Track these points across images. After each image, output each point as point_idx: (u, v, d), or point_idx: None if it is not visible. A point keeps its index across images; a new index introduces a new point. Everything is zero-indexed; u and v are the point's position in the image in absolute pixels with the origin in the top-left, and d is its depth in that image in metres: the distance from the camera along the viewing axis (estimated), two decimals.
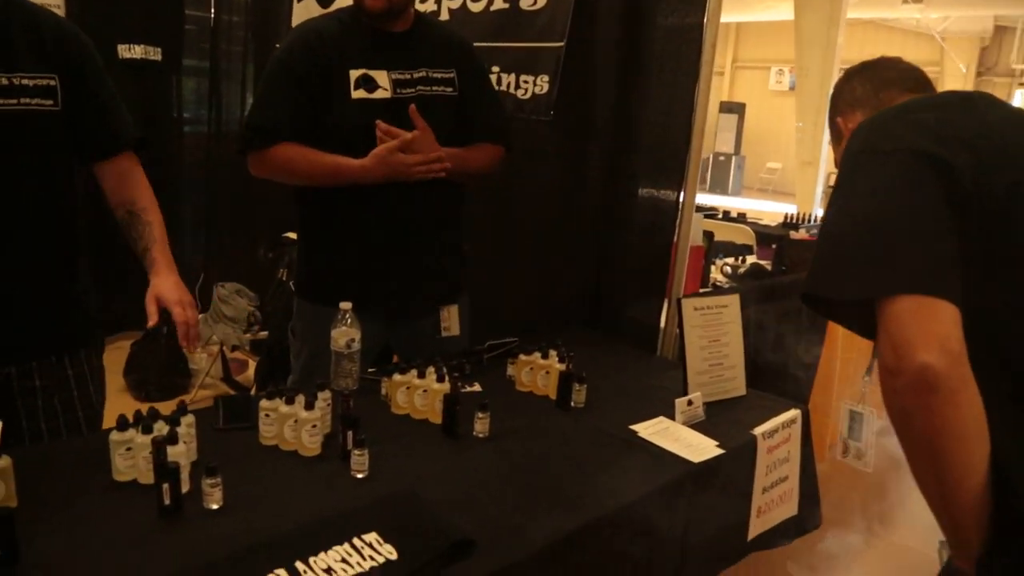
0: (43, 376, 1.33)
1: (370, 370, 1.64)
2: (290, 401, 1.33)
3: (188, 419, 1.26)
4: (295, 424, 1.31)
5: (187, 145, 3.89)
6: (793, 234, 3.96)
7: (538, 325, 2.19)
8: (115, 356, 3.90)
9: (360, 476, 1.24)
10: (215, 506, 1.12)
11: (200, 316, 3.43)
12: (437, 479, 1.23)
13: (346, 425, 1.30)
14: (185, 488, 1.13)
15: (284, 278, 3.19)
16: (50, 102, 1.26)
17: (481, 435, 1.40)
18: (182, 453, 1.14)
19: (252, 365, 3.64)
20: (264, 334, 3.29)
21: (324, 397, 1.38)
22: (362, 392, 1.54)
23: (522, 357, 1.65)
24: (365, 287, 1.67)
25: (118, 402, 3.60)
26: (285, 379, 1.94)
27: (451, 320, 1.81)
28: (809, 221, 4.56)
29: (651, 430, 1.51)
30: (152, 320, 1.30)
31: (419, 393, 1.46)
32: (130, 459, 1.17)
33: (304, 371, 1.76)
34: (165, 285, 1.35)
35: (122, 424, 1.20)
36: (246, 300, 3.41)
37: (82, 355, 1.40)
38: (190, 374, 3.59)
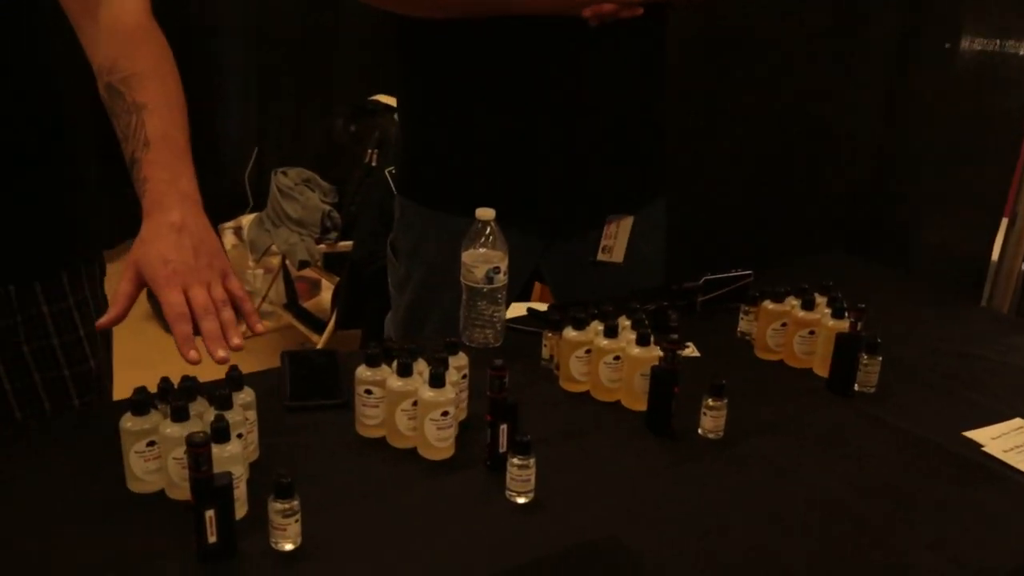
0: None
1: (527, 306, 1.55)
2: (405, 370, 1.16)
3: (244, 395, 1.11)
4: (414, 409, 1.15)
5: None
6: None
7: (777, 252, 2.13)
8: None
9: (522, 500, 1.09)
10: (289, 546, 0.98)
11: (253, 218, 3.49)
12: (650, 514, 1.10)
13: (499, 414, 1.12)
14: (241, 512, 1.01)
15: (374, 162, 3.14)
16: None
17: (712, 435, 1.26)
18: (236, 458, 0.98)
19: (327, 287, 3.63)
20: (346, 245, 3.27)
21: (459, 364, 1.23)
22: (507, 351, 1.45)
23: (767, 305, 1.50)
24: (513, 186, 1.63)
25: (140, 337, 3.77)
26: (378, 314, 1.89)
27: (617, 238, 1.74)
28: None
29: (1009, 443, 1.30)
30: (109, 315, 1.03)
31: (607, 361, 1.32)
32: (154, 460, 1.05)
33: (411, 311, 1.74)
34: (158, 245, 1.04)
35: (140, 403, 1.04)
36: (319, 194, 3.35)
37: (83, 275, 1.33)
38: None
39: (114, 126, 1.15)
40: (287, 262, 3.45)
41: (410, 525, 1.04)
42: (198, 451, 0.90)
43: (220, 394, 1.04)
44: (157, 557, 0.96)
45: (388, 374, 1.18)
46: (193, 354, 1.01)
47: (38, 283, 1.27)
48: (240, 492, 1.00)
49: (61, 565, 0.95)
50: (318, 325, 3.39)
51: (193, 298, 1.03)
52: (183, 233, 1.06)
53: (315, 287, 3.84)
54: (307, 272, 3.53)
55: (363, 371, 1.19)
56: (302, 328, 3.44)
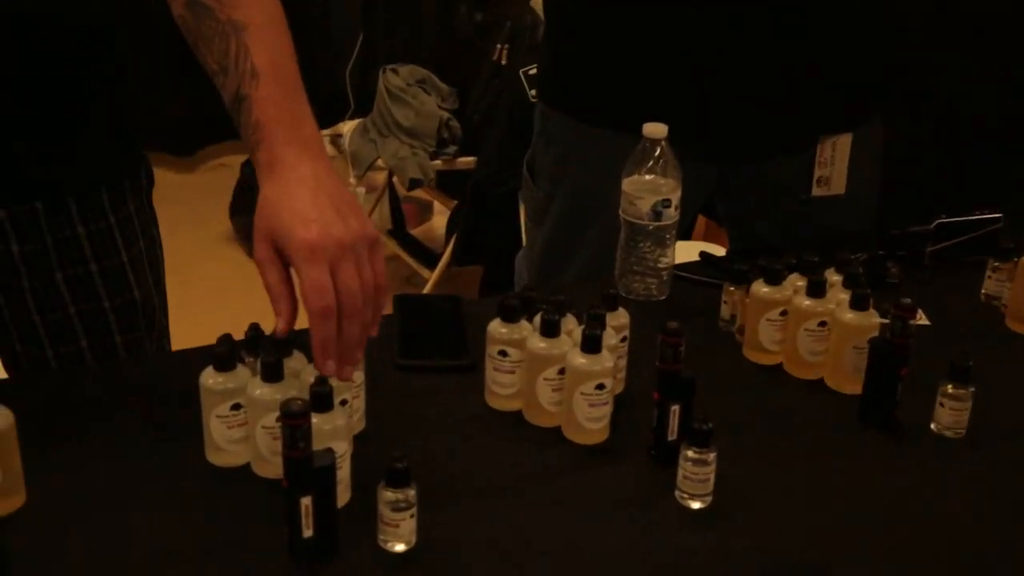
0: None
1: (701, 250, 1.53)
2: (550, 329, 1.13)
3: None
4: (560, 378, 1.13)
5: None
6: None
7: None
8: (218, 178, 4.02)
9: (697, 505, 1.06)
10: (401, 547, 0.97)
11: (355, 125, 3.52)
12: (870, 535, 1.06)
13: (671, 391, 1.09)
14: (343, 499, 1.00)
15: (504, 60, 3.12)
16: None
17: (950, 433, 1.21)
18: (340, 431, 0.97)
19: (441, 212, 3.62)
20: (467, 161, 3.26)
21: (617, 324, 1.20)
22: (673, 307, 1.43)
23: None
24: (690, 94, 1.58)
25: (217, 261, 3.91)
26: (503, 249, 1.93)
27: (835, 164, 1.69)
28: None
29: None
30: (281, 323, 1.00)
31: (809, 328, 1.27)
32: (239, 428, 1.05)
33: (550, 248, 1.73)
34: (291, 204, 1.01)
35: (224, 357, 1.03)
36: (435, 98, 3.34)
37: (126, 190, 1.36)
38: None
39: (199, 54, 1.12)
40: (394, 180, 3.47)
41: (551, 528, 1.03)
42: (295, 424, 0.88)
43: None
44: (241, 549, 0.97)
45: (528, 332, 1.14)
46: (331, 366, 0.98)
47: (72, 200, 1.28)
48: (344, 474, 0.98)
49: (137, 550, 0.97)
50: (428, 258, 3.41)
51: (341, 282, 0.97)
52: (319, 190, 1.00)
53: (426, 211, 3.86)
54: (418, 193, 3.53)
55: (497, 327, 1.16)
56: (409, 260, 3.47)
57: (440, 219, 3.67)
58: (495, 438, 1.15)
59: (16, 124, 1.24)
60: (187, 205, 3.73)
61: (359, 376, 1.09)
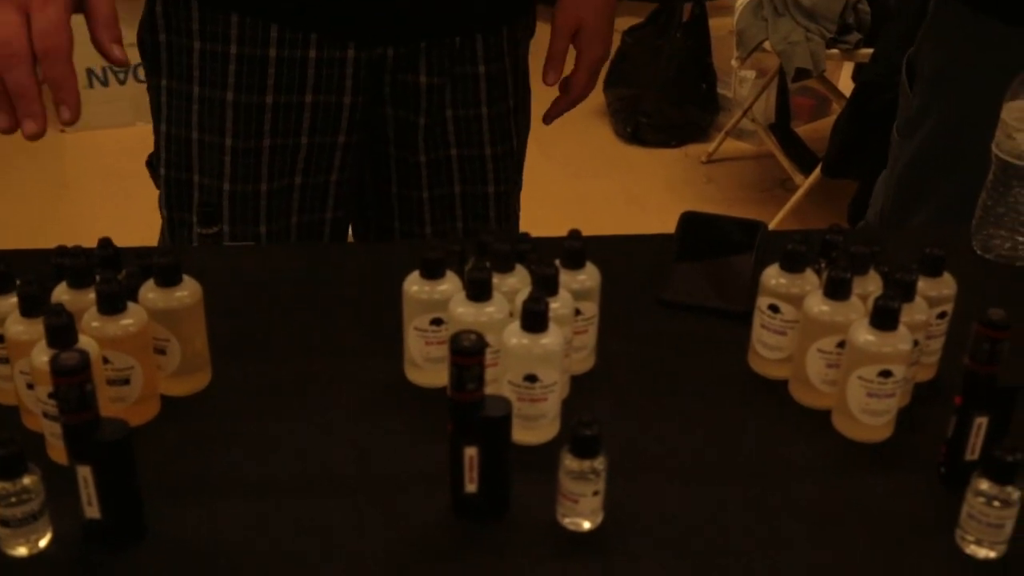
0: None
1: None
2: (839, 290, 0.95)
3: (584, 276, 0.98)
4: (836, 351, 0.96)
5: None
6: None
7: None
8: None
9: (984, 555, 0.86)
10: (587, 524, 0.86)
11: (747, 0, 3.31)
12: None
13: (980, 397, 0.89)
14: (550, 432, 0.92)
15: None
16: None
17: None
18: (552, 357, 0.88)
19: (836, 111, 3.38)
20: (866, 53, 2.98)
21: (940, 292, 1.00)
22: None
23: None
24: None
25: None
26: (877, 165, 1.71)
27: None
28: None
29: None
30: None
31: None
32: (437, 346, 0.97)
33: (911, 173, 1.58)
34: None
35: (433, 263, 0.95)
36: None
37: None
38: (717, 106, 3.59)
39: None
40: (783, 67, 3.27)
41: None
42: (465, 362, 0.78)
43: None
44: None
45: (812, 285, 0.97)
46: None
47: (480, 35, 1.35)
48: (549, 406, 0.89)
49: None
50: (807, 161, 3.23)
51: None
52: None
53: (821, 108, 3.67)
54: (815, 83, 3.30)
55: (775, 274, 0.99)
56: (784, 161, 3.31)
57: (832, 119, 3.43)
58: (749, 411, 0.99)
59: None
60: None
61: (591, 307, 0.97)
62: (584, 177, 3.39)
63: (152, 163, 1.40)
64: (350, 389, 1.00)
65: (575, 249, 0.95)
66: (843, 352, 0.93)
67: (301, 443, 0.93)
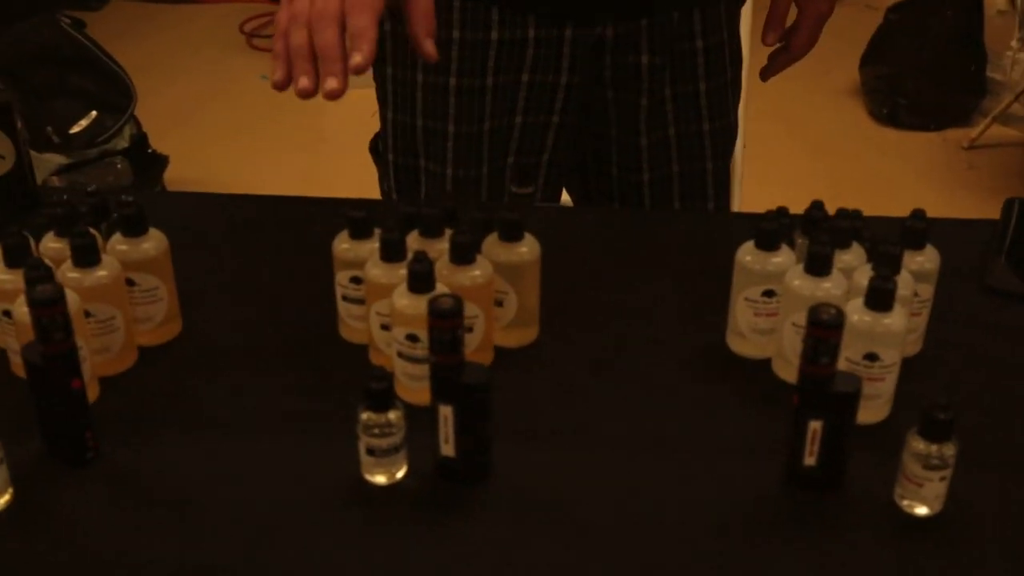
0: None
1: None
2: None
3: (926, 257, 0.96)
4: None
5: None
6: None
7: None
8: None
9: None
10: (923, 510, 0.83)
11: None
12: None
13: None
14: (883, 412, 0.91)
15: None
16: None
17: None
18: (893, 337, 0.87)
19: None
20: None
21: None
22: None
23: None
24: None
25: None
26: None
27: None
28: None
29: None
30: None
31: None
32: (767, 318, 0.97)
33: None
34: None
35: (769, 234, 0.95)
36: None
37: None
38: (984, 89, 3.38)
39: None
40: None
41: None
42: (824, 335, 0.77)
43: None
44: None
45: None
46: (304, 80, 0.97)
47: (697, 9, 1.31)
48: (886, 386, 0.88)
49: None
50: None
51: None
52: None
53: None
54: None
55: None
56: None
57: None
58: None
59: None
60: None
61: (927, 289, 0.94)
62: (834, 157, 3.27)
63: (377, 148, 1.41)
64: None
65: (917, 229, 0.93)
66: None
67: None
